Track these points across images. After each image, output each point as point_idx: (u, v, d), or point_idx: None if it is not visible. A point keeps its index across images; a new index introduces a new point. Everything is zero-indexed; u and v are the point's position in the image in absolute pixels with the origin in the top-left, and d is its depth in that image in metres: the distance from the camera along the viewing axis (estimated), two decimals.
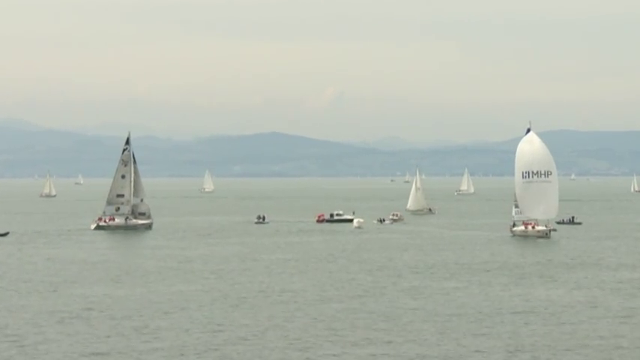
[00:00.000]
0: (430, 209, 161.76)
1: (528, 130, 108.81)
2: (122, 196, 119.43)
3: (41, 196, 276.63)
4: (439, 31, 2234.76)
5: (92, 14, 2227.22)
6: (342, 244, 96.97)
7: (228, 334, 43.19)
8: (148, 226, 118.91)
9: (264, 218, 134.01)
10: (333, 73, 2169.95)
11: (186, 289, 58.73)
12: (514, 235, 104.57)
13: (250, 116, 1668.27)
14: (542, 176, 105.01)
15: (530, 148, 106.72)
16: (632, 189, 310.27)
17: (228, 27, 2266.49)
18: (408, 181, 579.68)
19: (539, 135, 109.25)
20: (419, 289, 58.88)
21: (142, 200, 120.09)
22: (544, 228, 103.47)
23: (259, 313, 49.37)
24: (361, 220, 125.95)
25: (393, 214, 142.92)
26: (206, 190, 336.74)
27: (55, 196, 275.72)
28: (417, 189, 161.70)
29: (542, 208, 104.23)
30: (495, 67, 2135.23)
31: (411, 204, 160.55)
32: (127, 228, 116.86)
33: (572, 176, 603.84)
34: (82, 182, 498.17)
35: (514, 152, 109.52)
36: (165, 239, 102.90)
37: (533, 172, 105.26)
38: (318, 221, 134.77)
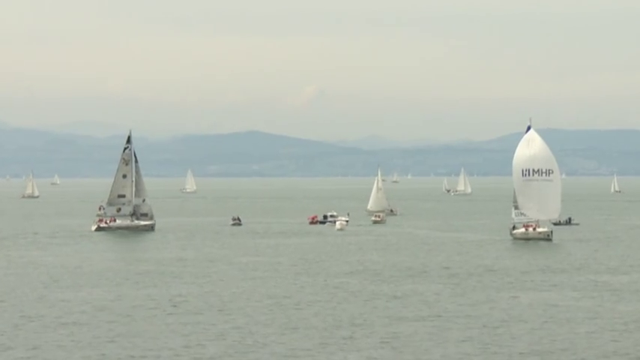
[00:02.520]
0: (392, 210, 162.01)
1: (529, 128, 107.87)
2: (123, 196, 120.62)
3: (23, 197, 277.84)
4: (423, 27, 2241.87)
5: (62, 9, 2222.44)
6: (322, 246, 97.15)
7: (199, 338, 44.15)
8: (151, 228, 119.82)
9: (239, 219, 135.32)
10: (313, 70, 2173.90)
11: (152, 293, 59.38)
12: (514, 237, 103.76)
13: (228, 114, 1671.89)
14: (544, 175, 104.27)
15: (531, 146, 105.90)
16: (611, 189, 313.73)
17: (205, 23, 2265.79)
18: (396, 181, 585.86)
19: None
20: (398, 293, 59.63)
21: (144, 201, 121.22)
22: (545, 230, 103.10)
23: (232, 317, 50.33)
24: (344, 222, 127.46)
25: (376, 215, 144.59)
26: (187, 190, 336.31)
27: (37, 196, 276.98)
28: (378, 189, 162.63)
29: (543, 208, 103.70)
30: (481, 64, 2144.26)
31: (372, 205, 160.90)
32: (128, 229, 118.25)
33: (563, 175, 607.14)
34: (58, 182, 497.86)
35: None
36: (167, 242, 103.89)
37: (534, 170, 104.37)
38: (311, 223, 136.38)
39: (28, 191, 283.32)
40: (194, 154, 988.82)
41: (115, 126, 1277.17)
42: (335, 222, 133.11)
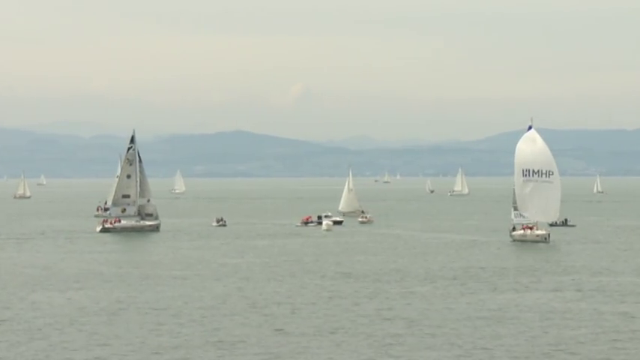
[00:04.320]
0: (363, 211, 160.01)
1: (530, 128, 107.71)
2: (128, 196, 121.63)
3: (15, 197, 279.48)
4: (411, 26, 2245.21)
5: (44, 7, 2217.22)
6: (308, 247, 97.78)
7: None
8: (156, 228, 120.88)
9: (224, 220, 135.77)
10: (299, 69, 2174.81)
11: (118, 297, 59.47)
12: (513, 239, 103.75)
13: (213, 114, 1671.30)
14: (544, 176, 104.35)
15: (532, 146, 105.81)
16: (594, 190, 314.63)
17: (190, 21, 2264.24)
18: (387, 182, 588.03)
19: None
20: (386, 295, 60.05)
21: (148, 201, 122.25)
22: (543, 232, 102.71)
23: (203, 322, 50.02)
24: (330, 223, 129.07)
25: (362, 216, 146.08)
26: (177, 191, 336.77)
27: (29, 197, 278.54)
28: (349, 190, 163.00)
29: (542, 210, 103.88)
30: (469, 64, 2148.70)
31: (343, 205, 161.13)
32: (134, 229, 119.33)
33: None
34: (44, 183, 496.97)
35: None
36: (173, 242, 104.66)
37: (534, 171, 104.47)
38: (305, 223, 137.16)
39: (20, 192, 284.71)
40: (179, 155, 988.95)
41: (98, 126, 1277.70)
42: (334, 222, 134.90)
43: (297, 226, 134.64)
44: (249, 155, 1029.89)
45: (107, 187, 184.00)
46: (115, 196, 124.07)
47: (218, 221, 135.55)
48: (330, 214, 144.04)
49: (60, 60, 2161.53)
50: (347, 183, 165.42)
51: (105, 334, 46.58)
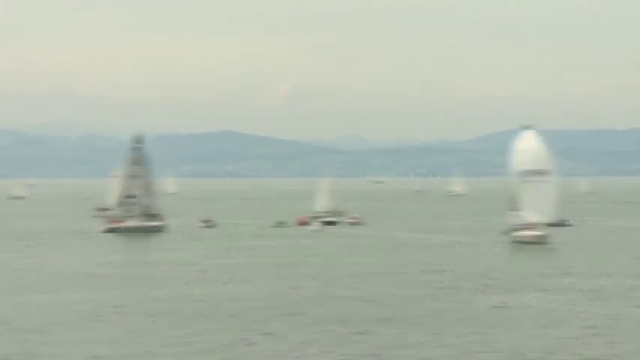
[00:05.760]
0: (340, 211, 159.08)
1: (527, 127, 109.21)
2: (133, 197, 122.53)
3: (9, 198, 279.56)
4: (401, 24, 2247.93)
5: (33, 6, 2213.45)
6: (297, 248, 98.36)
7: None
8: (161, 228, 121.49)
9: (211, 221, 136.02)
10: (288, 68, 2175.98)
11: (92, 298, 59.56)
12: (511, 240, 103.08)
13: (201, 114, 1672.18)
14: (540, 175, 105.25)
15: (528, 146, 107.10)
16: (581, 190, 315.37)
17: (177, 19, 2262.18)
18: (380, 182, 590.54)
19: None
20: (368, 296, 60.25)
21: (154, 201, 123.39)
22: (540, 233, 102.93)
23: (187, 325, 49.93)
24: (319, 224, 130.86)
25: (351, 217, 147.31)
26: (168, 191, 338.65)
27: (23, 198, 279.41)
28: (326, 191, 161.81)
29: (539, 209, 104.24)
30: (460, 63, 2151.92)
31: (320, 206, 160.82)
32: (139, 230, 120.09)
33: None
34: (34, 183, 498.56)
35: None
36: (171, 243, 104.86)
37: (530, 171, 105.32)
38: (301, 224, 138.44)
39: (14, 192, 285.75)
40: (166, 155, 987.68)
41: (86, 126, 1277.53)
42: (329, 222, 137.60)
43: (272, 227, 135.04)
44: (237, 155, 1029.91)
45: (100, 187, 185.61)
46: (120, 196, 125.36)
47: (206, 222, 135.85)
48: (324, 214, 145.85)
49: (48, 60, 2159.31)
50: (324, 184, 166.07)
51: (94, 335, 46.98)
